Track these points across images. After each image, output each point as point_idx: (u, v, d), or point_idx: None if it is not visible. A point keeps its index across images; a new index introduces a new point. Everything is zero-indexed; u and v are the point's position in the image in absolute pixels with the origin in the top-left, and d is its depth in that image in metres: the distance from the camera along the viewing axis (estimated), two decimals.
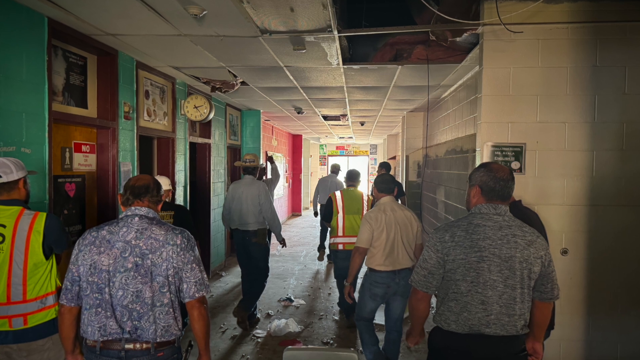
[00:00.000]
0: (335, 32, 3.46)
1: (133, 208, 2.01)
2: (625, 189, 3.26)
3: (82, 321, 1.93)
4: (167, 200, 3.90)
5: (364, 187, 16.89)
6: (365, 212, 4.63)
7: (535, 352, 2.08)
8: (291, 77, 5.12)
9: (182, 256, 1.95)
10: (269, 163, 6.24)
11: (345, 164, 18.07)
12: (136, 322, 1.89)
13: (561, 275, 3.09)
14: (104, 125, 3.95)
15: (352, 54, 4.36)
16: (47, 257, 2.32)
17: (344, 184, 5.32)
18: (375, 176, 4.56)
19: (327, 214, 4.82)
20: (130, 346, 1.89)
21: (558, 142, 3.28)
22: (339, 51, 3.98)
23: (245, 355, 4.04)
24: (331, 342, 4.35)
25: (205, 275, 2.02)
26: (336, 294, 5.63)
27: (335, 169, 8.32)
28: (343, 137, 15.17)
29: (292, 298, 5.60)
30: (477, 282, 1.92)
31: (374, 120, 9.49)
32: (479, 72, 3.47)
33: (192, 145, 6.22)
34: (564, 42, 3.25)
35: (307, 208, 15.84)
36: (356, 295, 3.73)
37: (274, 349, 4.16)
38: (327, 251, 7.43)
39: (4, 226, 2.23)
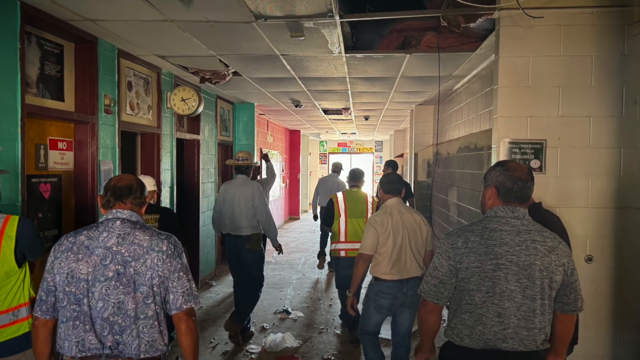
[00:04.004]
0: (337, 18, 3.46)
1: (114, 211, 2.01)
2: None
3: (58, 335, 1.93)
4: (151, 202, 3.90)
5: (369, 187, 16.90)
6: (369, 215, 4.63)
7: None
8: (288, 67, 5.12)
9: (169, 264, 1.95)
10: (264, 161, 6.25)
11: (348, 163, 18.08)
12: (118, 337, 1.89)
13: (585, 284, 3.08)
14: (82, 119, 3.95)
15: (355, 42, 4.36)
16: (19, 265, 2.32)
17: (347, 184, 5.32)
18: (380, 176, 4.56)
19: (327, 217, 4.82)
20: None
21: (582, 139, 3.28)
22: (341, 38, 3.98)
23: None
24: (332, 358, 4.35)
25: (194, 285, 2.02)
26: (338, 305, 5.63)
27: (337, 168, 8.33)
28: (345, 133, 15.18)
29: (290, 310, 5.61)
30: (493, 293, 1.92)
31: (380, 114, 9.50)
32: (494, 61, 3.47)
33: (180, 142, 6.23)
34: (589, 28, 3.25)
35: (305, 211, 15.85)
36: (360, 306, 3.73)
37: None
38: (327, 258, 7.44)
39: None
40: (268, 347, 4.50)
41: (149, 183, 3.74)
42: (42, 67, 3.60)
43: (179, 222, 3.90)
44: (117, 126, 4.40)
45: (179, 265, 1.98)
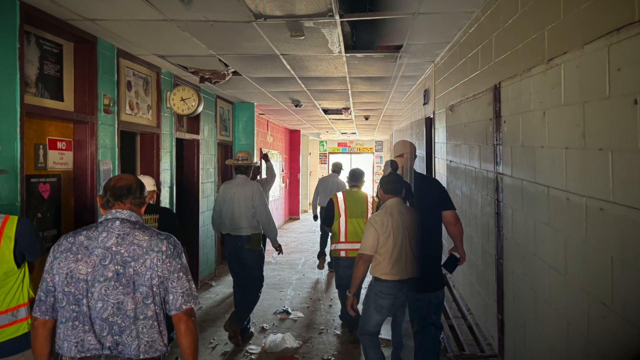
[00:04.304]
0: (337, 17, 3.46)
1: (114, 211, 2.01)
2: None
3: (57, 336, 1.93)
4: (151, 202, 3.90)
5: (369, 187, 16.90)
6: (369, 215, 4.63)
7: None
8: (288, 67, 5.12)
9: (168, 264, 1.95)
10: (263, 161, 6.25)
11: (348, 163, 18.09)
12: (117, 337, 1.89)
13: None
14: (81, 119, 3.95)
15: (355, 41, 4.36)
16: (18, 265, 2.32)
17: (347, 184, 5.32)
18: (380, 176, 4.57)
19: (327, 217, 4.82)
20: None
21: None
22: (341, 38, 3.98)
23: None
24: (332, 358, 4.35)
25: (194, 285, 2.02)
26: (338, 305, 5.63)
27: (337, 168, 8.32)
28: (345, 133, 15.19)
29: (290, 310, 5.61)
30: None
31: (380, 114, 9.50)
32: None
33: (179, 142, 6.23)
34: None
35: (305, 211, 15.84)
36: (360, 307, 3.73)
37: None
38: (327, 258, 7.44)
39: None
40: (268, 347, 4.50)
41: (148, 183, 3.74)
42: (41, 67, 3.60)
43: (178, 222, 3.91)
44: (116, 126, 4.39)
45: (179, 266, 1.98)
